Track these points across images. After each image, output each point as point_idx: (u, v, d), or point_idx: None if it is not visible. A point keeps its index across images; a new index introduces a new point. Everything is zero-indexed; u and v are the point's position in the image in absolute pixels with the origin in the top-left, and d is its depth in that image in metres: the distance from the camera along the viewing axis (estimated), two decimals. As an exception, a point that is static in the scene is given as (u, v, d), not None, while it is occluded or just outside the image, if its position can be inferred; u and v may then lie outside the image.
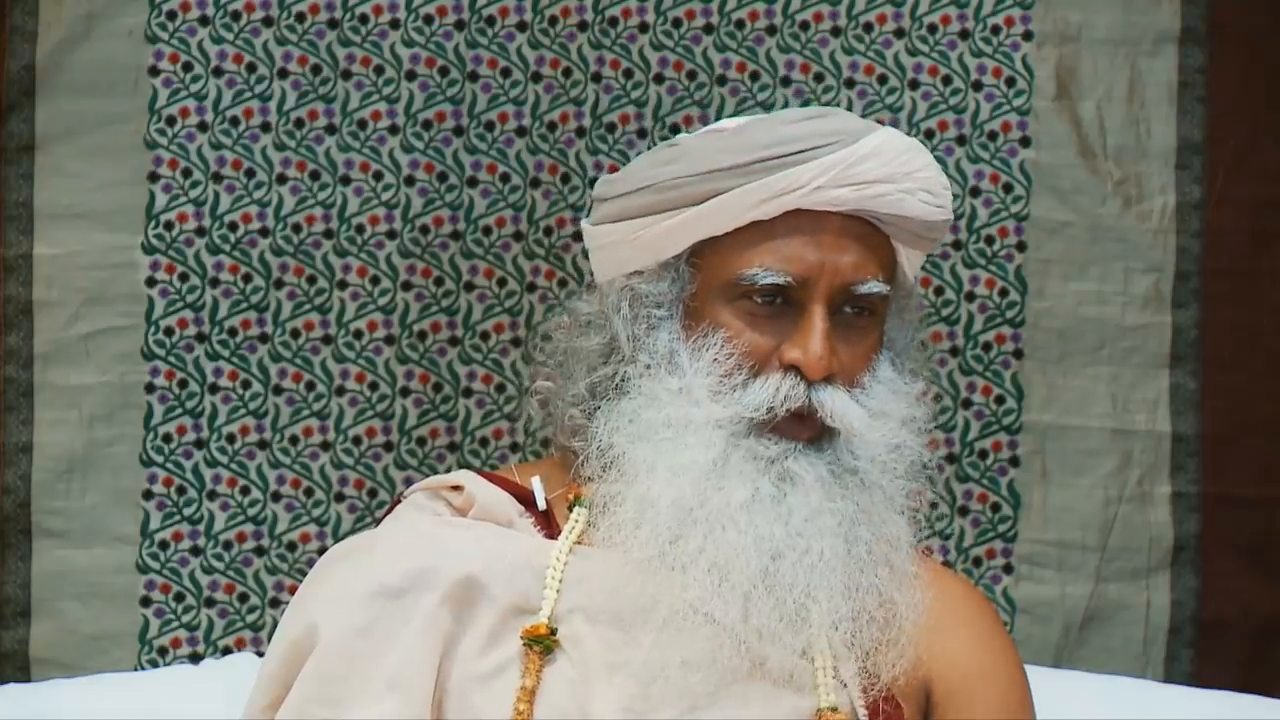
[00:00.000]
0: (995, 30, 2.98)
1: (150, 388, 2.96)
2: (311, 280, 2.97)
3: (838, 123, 2.08)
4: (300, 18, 2.95)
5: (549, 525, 2.10)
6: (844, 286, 2.04)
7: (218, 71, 2.95)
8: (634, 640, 2.00)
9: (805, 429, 2.03)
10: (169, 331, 2.96)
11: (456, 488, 2.13)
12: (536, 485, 2.12)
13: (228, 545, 2.97)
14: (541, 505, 2.11)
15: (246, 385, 2.96)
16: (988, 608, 2.17)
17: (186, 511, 2.96)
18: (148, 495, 2.96)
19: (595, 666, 2.00)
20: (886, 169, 2.05)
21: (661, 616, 2.00)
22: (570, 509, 2.10)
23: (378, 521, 2.19)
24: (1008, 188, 2.99)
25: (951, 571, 2.27)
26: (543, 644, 2.01)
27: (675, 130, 2.93)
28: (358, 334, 2.97)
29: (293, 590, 2.11)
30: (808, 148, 2.04)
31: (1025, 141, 2.99)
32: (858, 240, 2.05)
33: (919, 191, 2.06)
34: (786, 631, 2.00)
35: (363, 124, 2.96)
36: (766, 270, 2.03)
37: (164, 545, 2.96)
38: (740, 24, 2.97)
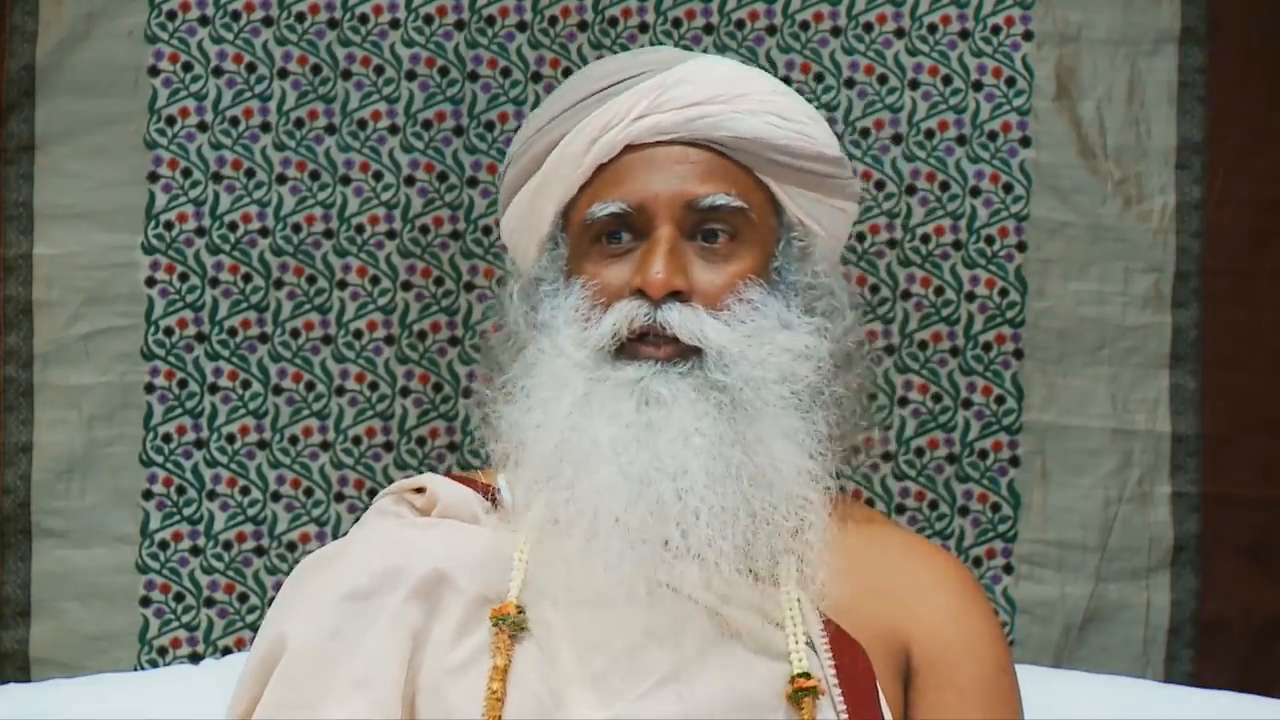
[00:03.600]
0: (995, 30, 2.98)
1: (150, 388, 2.96)
2: (311, 280, 2.97)
3: (653, 55, 2.14)
4: (300, 18, 2.95)
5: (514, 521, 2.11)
6: (687, 204, 2.05)
7: (218, 71, 2.95)
8: (599, 618, 2.00)
9: (660, 349, 2.02)
10: (169, 331, 2.96)
11: (419, 490, 2.14)
12: (501, 483, 2.13)
13: (227, 545, 2.97)
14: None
15: (246, 385, 2.96)
16: (968, 577, 2.17)
17: (186, 511, 2.96)
18: (148, 495, 2.96)
19: (563, 646, 2.00)
20: (705, 91, 2.07)
21: (625, 593, 1.99)
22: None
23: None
24: (1008, 188, 2.98)
25: (928, 541, 2.27)
26: (510, 622, 2.00)
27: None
28: (358, 334, 2.97)
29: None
30: (622, 79, 2.09)
31: (1025, 141, 2.99)
32: (697, 165, 2.06)
33: (763, 114, 2.08)
34: (688, 566, 1.98)
35: (363, 124, 2.96)
36: (603, 203, 2.06)
37: (164, 545, 2.96)
38: (740, 24, 2.97)
